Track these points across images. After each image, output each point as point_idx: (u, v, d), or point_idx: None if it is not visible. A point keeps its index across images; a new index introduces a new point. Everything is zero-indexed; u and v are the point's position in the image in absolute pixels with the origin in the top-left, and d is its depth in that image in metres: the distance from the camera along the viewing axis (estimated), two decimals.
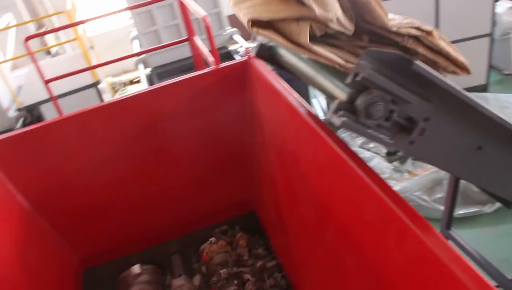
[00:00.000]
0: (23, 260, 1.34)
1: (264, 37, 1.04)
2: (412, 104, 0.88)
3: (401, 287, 0.80)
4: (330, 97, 0.98)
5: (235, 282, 1.58)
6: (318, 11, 0.88)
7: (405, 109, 0.89)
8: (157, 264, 1.73)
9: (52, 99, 3.27)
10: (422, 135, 0.92)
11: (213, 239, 1.76)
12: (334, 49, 0.99)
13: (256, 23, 0.99)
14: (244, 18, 1.01)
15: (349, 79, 0.85)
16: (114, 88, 5.36)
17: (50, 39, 5.49)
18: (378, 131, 0.88)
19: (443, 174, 2.72)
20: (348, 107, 0.86)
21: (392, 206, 0.81)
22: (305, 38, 0.94)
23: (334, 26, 0.95)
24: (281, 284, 1.55)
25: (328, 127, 1.09)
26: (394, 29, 0.94)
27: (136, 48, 3.82)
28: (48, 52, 5.30)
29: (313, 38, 0.97)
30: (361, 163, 0.92)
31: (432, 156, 0.99)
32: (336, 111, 0.85)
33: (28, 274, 1.32)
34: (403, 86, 0.87)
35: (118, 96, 4.99)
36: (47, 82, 3.19)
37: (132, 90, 5.19)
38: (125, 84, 5.49)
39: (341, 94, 0.92)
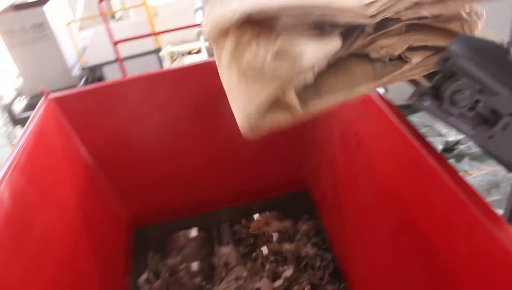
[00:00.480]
0: (82, 210, 1.41)
1: None
2: (500, 96, 0.85)
3: (466, 279, 0.79)
4: (412, 81, 0.96)
5: (279, 257, 1.60)
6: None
7: (492, 100, 0.86)
8: (206, 231, 1.77)
9: (118, 60, 3.40)
10: (505, 130, 0.88)
11: (263, 213, 1.78)
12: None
13: None
14: None
15: (437, 65, 0.83)
16: (172, 57, 5.46)
17: (115, 3, 5.64)
18: (460, 120, 0.86)
19: (500, 177, 2.63)
20: (432, 92, 0.84)
21: (463, 197, 0.79)
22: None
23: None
24: (329, 266, 1.55)
25: (399, 111, 1.07)
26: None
27: (199, 19, 3.86)
28: (113, 17, 5.46)
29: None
30: (432, 151, 0.90)
31: (510, 153, 0.95)
32: (420, 95, 0.83)
33: (85, 224, 1.39)
34: (494, 76, 0.84)
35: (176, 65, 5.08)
36: (115, 43, 3.31)
37: (190, 60, 5.26)
38: (183, 54, 5.57)
39: (426, 78, 0.89)
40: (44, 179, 1.29)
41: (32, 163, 1.26)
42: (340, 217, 1.38)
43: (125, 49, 3.48)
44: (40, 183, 1.26)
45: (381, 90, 1.16)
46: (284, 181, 1.75)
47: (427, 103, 0.83)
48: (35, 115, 1.40)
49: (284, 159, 1.70)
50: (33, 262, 1.10)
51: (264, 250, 1.59)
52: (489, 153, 2.57)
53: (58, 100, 1.52)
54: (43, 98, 1.50)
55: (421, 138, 0.93)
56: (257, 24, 0.85)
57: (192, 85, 1.61)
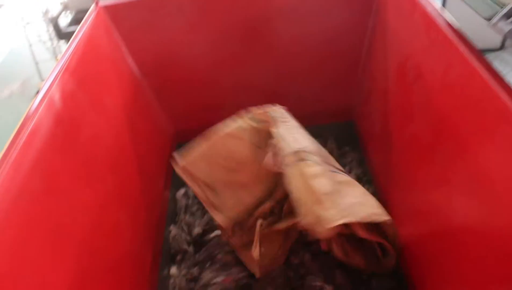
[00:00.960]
0: (128, 119, 1.42)
1: None
2: None
3: None
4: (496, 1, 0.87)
5: None
6: None
7: None
8: None
9: None
10: None
11: None
12: None
13: None
14: None
15: None
16: None
17: None
18: None
19: None
20: None
21: None
22: None
23: None
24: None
25: (469, 42, 0.99)
26: None
27: None
28: None
29: None
30: (508, 89, 0.83)
31: None
32: (508, 17, 0.76)
33: (131, 133, 1.41)
34: None
35: None
36: None
37: None
38: None
39: None
40: (93, 84, 1.30)
41: (82, 67, 1.27)
42: (387, 151, 1.34)
43: None
44: (89, 88, 1.27)
45: (450, 17, 1.07)
46: (329, 109, 1.70)
47: None
48: (86, 22, 1.39)
49: (332, 87, 1.65)
50: (82, 165, 1.13)
51: None
52: None
53: (108, 9, 1.50)
54: (93, 5, 1.48)
55: (495, 73, 0.87)
56: None
57: (247, 3, 1.54)
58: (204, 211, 1.58)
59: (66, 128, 1.12)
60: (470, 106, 0.92)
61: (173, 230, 1.54)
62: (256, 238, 1.26)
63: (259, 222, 1.28)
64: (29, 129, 1.02)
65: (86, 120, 1.20)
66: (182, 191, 1.66)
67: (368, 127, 1.55)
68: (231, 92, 1.66)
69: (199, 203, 1.53)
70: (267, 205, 1.30)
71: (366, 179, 1.59)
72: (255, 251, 1.26)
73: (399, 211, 1.27)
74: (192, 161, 1.31)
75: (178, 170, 1.31)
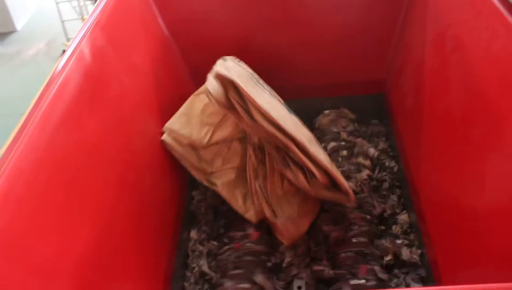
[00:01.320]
0: (155, 79, 1.41)
1: None
2: None
3: None
4: None
5: (342, 153, 1.56)
6: None
7: None
8: None
9: None
10: None
11: (327, 111, 1.72)
12: None
13: None
14: None
15: None
16: None
17: None
18: None
19: None
20: None
21: None
22: None
23: None
24: (394, 169, 1.51)
25: None
26: None
27: None
28: None
29: None
30: None
31: None
32: None
33: (157, 93, 1.40)
34: None
35: None
36: None
37: None
38: None
39: None
40: (122, 41, 1.28)
41: (112, 23, 1.25)
42: (418, 125, 1.30)
43: None
44: (119, 45, 1.25)
45: None
46: (359, 81, 1.66)
47: None
48: None
49: (363, 58, 1.60)
50: (109, 122, 1.13)
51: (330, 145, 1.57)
52: None
53: None
54: None
55: None
56: None
57: None
58: None
59: (94, 84, 1.11)
60: None
61: (196, 195, 1.54)
62: (263, 201, 1.30)
63: (256, 184, 1.32)
64: (59, 82, 1.02)
65: (115, 77, 1.19)
66: None
67: (398, 101, 1.51)
68: (259, 57, 1.62)
69: None
70: (251, 154, 1.35)
71: (393, 155, 1.56)
72: (267, 212, 1.28)
73: (427, 188, 1.25)
74: (173, 121, 1.39)
75: (164, 137, 1.37)
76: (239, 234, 1.36)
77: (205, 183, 1.43)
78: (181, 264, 1.35)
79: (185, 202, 1.47)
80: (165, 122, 1.41)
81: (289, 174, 1.25)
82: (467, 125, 1.04)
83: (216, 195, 1.46)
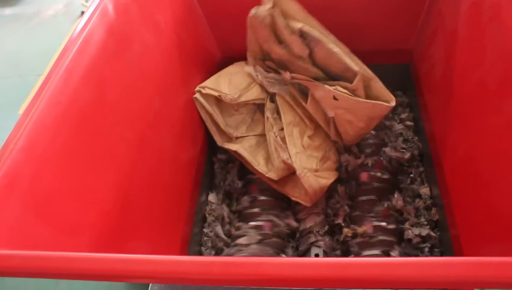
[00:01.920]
0: (178, 39, 1.38)
1: None
2: None
3: None
4: None
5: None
6: None
7: None
8: None
9: None
10: None
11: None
12: None
13: None
14: None
15: None
16: None
17: None
18: None
19: None
20: None
21: None
22: None
23: None
24: (417, 144, 1.48)
25: None
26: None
27: None
28: None
29: None
30: None
31: None
32: None
33: (180, 53, 1.37)
34: None
35: None
36: None
37: None
38: None
39: None
40: (146, 1, 1.25)
41: None
42: (447, 96, 1.26)
43: None
44: (143, 3, 1.22)
45: None
46: (386, 49, 1.60)
47: None
48: None
49: (392, 25, 1.53)
50: (131, 79, 1.11)
51: None
52: None
53: None
54: None
55: None
56: None
57: None
58: None
59: (117, 40, 1.09)
60: None
61: (216, 160, 1.53)
62: (276, 146, 1.32)
63: (274, 134, 1.34)
64: (82, 37, 1.00)
65: (137, 35, 1.17)
66: None
67: (427, 71, 1.45)
68: None
69: None
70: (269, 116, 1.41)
71: (416, 128, 1.52)
72: (284, 155, 1.28)
73: (454, 161, 1.22)
74: (206, 81, 1.46)
75: (196, 96, 1.43)
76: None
77: (226, 147, 1.42)
78: (199, 228, 1.35)
79: (204, 166, 1.46)
80: (187, 86, 1.38)
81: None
82: (502, 97, 1.00)
83: (235, 161, 1.46)
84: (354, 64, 1.23)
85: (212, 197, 1.42)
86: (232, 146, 1.42)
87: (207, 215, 1.39)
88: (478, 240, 1.05)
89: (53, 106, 0.89)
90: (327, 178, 1.30)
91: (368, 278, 0.58)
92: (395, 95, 1.65)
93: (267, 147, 1.38)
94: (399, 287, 0.62)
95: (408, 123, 1.55)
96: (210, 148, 1.52)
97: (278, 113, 1.38)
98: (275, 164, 1.31)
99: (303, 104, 1.34)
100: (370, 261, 0.61)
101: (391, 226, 1.26)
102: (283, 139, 1.31)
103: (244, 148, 1.40)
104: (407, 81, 1.64)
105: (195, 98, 1.42)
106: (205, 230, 1.36)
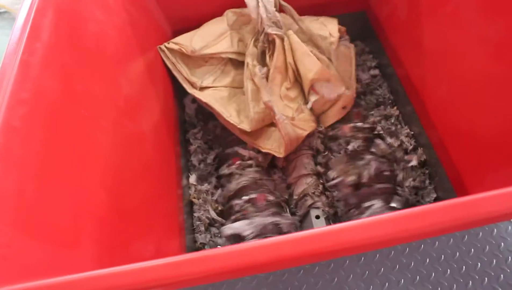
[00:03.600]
0: (130, 20, 1.25)
1: None
2: None
3: None
4: None
5: None
6: None
7: None
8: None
9: None
10: None
11: None
12: None
13: None
14: None
15: None
16: None
17: None
18: None
19: None
20: None
21: None
22: None
23: None
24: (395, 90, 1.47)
25: None
26: None
27: None
28: None
29: None
30: None
31: None
32: None
33: (133, 33, 1.24)
34: None
35: None
36: None
37: None
38: None
39: None
40: None
41: None
42: (419, 35, 1.24)
43: None
44: None
45: None
46: None
47: None
48: None
49: None
50: (93, 61, 0.98)
51: None
52: None
53: None
54: None
55: None
56: None
57: None
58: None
59: (70, 20, 0.95)
60: None
61: (190, 136, 1.44)
62: (256, 91, 1.26)
63: (248, 82, 1.27)
64: (30, 21, 0.86)
65: (89, 13, 1.03)
66: (189, 97, 1.53)
67: (390, 14, 1.41)
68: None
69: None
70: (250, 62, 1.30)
71: (384, 73, 1.51)
72: (266, 97, 1.20)
73: (435, 100, 1.21)
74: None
75: (161, 46, 1.40)
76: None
77: (197, 96, 1.36)
78: (187, 214, 1.27)
79: (180, 148, 1.36)
80: (146, 64, 1.26)
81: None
82: (484, 24, 0.99)
83: (210, 135, 1.39)
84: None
85: (193, 179, 1.33)
86: (203, 97, 1.33)
87: (193, 199, 1.30)
88: (480, 172, 1.05)
89: (16, 105, 0.75)
90: (303, 129, 1.25)
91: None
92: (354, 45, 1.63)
93: (239, 100, 1.32)
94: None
95: (375, 72, 1.53)
96: (182, 129, 1.43)
97: (259, 59, 1.31)
98: (250, 115, 1.24)
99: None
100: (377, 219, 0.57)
101: (386, 173, 1.26)
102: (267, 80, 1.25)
103: (215, 99, 1.32)
104: (364, 29, 1.61)
105: (159, 48, 1.38)
106: (195, 214, 1.27)
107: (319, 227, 0.58)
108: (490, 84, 0.98)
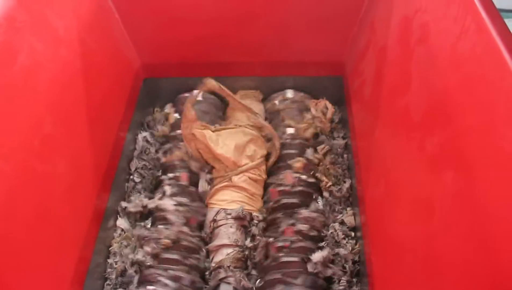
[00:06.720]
0: (84, 49, 1.22)
1: None
2: None
3: None
4: None
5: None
6: None
7: None
8: (219, 97, 1.59)
9: None
10: None
11: (288, 90, 1.59)
12: None
13: None
14: None
15: None
16: None
17: None
18: None
19: None
20: None
21: None
22: None
23: None
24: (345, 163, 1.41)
25: (495, 10, 0.80)
26: None
27: None
28: None
29: None
30: None
31: None
32: None
33: (85, 65, 1.21)
34: None
35: None
36: None
37: None
38: None
39: None
40: (39, 3, 1.07)
41: None
42: (374, 119, 1.18)
43: None
44: (33, 8, 1.05)
45: None
46: (317, 60, 1.51)
47: None
48: None
49: (323, 36, 1.43)
50: (15, 98, 0.95)
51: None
52: None
53: None
54: None
55: None
56: None
57: None
58: None
59: None
60: (480, 91, 0.76)
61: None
62: None
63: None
64: None
65: (25, 45, 1.00)
66: (144, 134, 1.50)
67: (358, 87, 1.37)
68: (211, 27, 1.44)
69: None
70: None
71: (346, 145, 1.45)
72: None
73: (375, 193, 1.14)
74: None
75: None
76: None
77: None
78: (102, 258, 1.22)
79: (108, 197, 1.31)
80: (94, 98, 1.23)
81: None
82: (425, 131, 0.92)
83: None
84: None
85: (121, 222, 1.29)
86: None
87: (114, 243, 1.25)
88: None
89: None
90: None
91: None
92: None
93: None
94: None
95: (340, 141, 1.47)
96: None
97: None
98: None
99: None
100: None
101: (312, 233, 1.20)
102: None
103: None
104: (341, 95, 1.55)
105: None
106: (109, 261, 1.22)
107: None
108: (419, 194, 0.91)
